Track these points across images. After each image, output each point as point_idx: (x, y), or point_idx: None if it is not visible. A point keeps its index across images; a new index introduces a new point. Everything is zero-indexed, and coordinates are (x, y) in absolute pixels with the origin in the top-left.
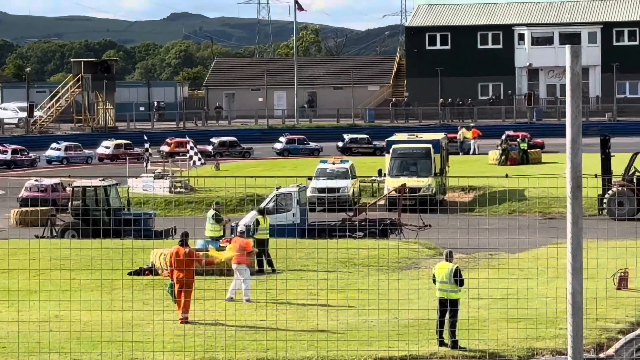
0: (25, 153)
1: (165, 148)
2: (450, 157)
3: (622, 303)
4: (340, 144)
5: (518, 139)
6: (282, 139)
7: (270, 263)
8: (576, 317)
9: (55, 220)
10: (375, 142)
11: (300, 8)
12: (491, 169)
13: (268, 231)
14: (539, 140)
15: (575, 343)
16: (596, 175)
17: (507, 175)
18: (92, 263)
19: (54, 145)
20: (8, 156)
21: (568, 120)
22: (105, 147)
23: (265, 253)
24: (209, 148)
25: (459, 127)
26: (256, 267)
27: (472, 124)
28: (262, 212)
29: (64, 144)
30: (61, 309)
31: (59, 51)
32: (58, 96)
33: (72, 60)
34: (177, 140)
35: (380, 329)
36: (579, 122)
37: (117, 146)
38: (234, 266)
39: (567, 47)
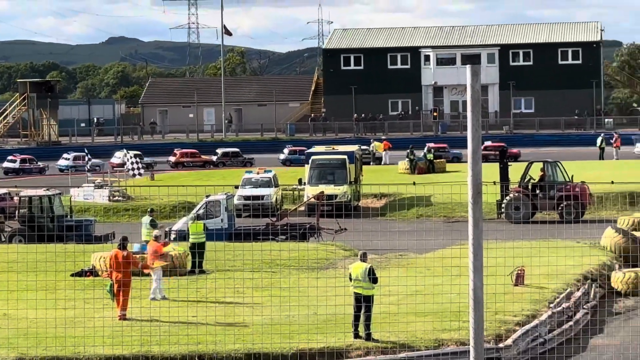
0: None
1: (172, 158)
2: (363, 167)
3: (518, 298)
4: (281, 156)
5: (424, 150)
6: (218, 150)
7: (200, 264)
8: (477, 311)
9: (4, 227)
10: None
11: (228, 32)
12: (401, 178)
13: (204, 235)
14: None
15: (477, 334)
16: (495, 183)
17: (414, 183)
18: (38, 266)
19: (9, 157)
20: None
21: (469, 133)
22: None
23: (200, 255)
24: (214, 158)
25: (371, 140)
26: (189, 268)
27: (383, 137)
28: (196, 218)
29: (19, 157)
30: (9, 307)
31: (6, 72)
32: (6, 113)
33: (18, 80)
34: (182, 151)
35: (300, 323)
36: (478, 135)
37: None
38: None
39: (468, 67)
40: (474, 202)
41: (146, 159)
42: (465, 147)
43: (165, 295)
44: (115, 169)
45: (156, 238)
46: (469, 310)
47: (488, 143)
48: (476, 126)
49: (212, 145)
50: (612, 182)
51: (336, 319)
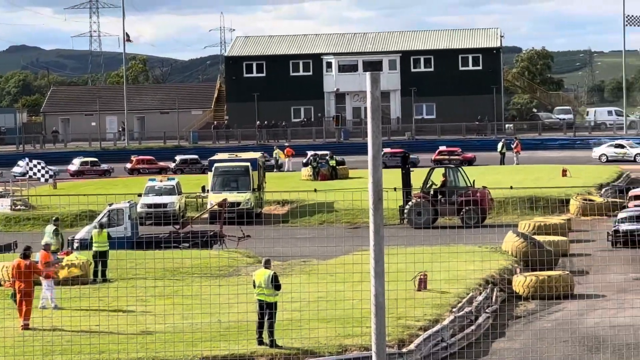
0: None
1: (128, 165)
2: (266, 174)
3: (421, 303)
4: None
5: (327, 157)
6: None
7: (103, 273)
8: (379, 316)
9: None
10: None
11: (129, 39)
12: (304, 184)
13: (107, 244)
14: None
15: (379, 339)
16: (395, 189)
17: (315, 190)
18: None
19: None
20: None
21: (369, 139)
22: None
23: (103, 263)
24: (172, 165)
25: (274, 147)
26: (91, 277)
27: (286, 144)
28: (101, 226)
29: None
30: None
31: None
32: None
33: None
34: (139, 158)
35: (204, 331)
36: (379, 141)
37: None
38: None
39: (367, 74)
40: (375, 209)
41: (51, 167)
42: (365, 153)
43: (58, 304)
44: (17, 177)
45: (45, 247)
46: (371, 315)
47: (387, 149)
48: (376, 133)
49: (115, 153)
50: (511, 187)
51: (240, 326)
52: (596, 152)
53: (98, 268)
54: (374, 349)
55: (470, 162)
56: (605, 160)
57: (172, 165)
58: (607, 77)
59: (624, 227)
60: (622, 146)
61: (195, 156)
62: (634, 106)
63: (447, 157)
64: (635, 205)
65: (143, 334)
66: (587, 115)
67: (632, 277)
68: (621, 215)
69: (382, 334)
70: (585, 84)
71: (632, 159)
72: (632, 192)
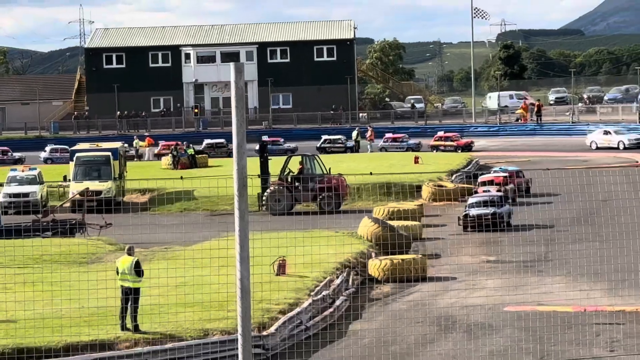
0: None
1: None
2: (127, 163)
3: (281, 287)
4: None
5: (184, 146)
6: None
7: None
8: (244, 300)
9: None
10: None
11: None
12: (164, 173)
13: None
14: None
15: (244, 322)
16: (259, 176)
17: (182, 177)
18: None
19: None
20: None
21: (234, 128)
22: None
23: None
24: (42, 155)
25: (134, 137)
26: None
27: (146, 134)
28: None
29: None
30: None
31: None
32: None
33: None
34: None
35: (70, 317)
36: (243, 130)
37: None
38: None
39: (232, 65)
40: (240, 195)
41: None
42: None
43: None
44: None
45: None
46: (237, 299)
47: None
48: (241, 121)
49: None
50: (371, 174)
51: (103, 312)
52: (589, 138)
53: None
54: (240, 331)
55: (468, 147)
56: (595, 147)
57: (42, 155)
58: (456, 67)
59: (474, 211)
60: (608, 132)
61: (66, 146)
62: (482, 95)
63: (443, 142)
64: (484, 191)
65: (8, 321)
66: (490, 99)
67: (482, 259)
68: (471, 200)
69: (248, 317)
70: (435, 74)
71: (616, 146)
72: (481, 178)
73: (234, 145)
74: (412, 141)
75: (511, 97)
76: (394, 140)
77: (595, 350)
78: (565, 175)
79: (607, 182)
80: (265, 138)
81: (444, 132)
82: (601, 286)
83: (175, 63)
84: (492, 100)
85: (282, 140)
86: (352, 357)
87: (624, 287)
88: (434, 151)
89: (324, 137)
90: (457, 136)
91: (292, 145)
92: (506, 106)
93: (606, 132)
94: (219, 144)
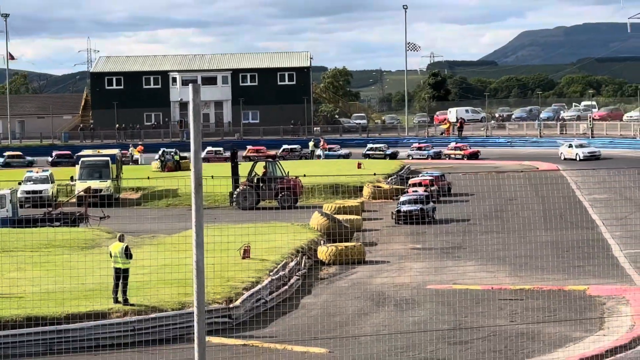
0: None
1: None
2: (123, 166)
3: (245, 268)
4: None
5: (172, 152)
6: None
7: None
8: (199, 278)
9: None
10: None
11: (12, 57)
12: (154, 175)
13: None
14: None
15: (199, 296)
16: (228, 177)
17: (148, 177)
18: None
19: None
20: None
21: (192, 138)
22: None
23: None
24: (49, 159)
25: (130, 145)
26: None
27: (140, 143)
28: None
29: None
30: None
31: None
32: None
33: None
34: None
35: (71, 291)
36: (199, 140)
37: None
38: None
39: (190, 85)
40: (196, 192)
41: None
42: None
43: None
44: None
45: None
46: (193, 277)
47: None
48: (197, 132)
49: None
50: (305, 175)
51: (100, 288)
52: (559, 150)
53: None
54: (195, 304)
55: (475, 156)
56: (563, 158)
57: (49, 159)
58: (394, 90)
59: (404, 208)
60: (571, 146)
61: (69, 152)
62: (414, 113)
63: (454, 151)
64: (413, 191)
65: (20, 295)
66: (450, 113)
67: (410, 247)
68: (402, 198)
69: (202, 292)
70: (377, 96)
71: (574, 157)
72: (411, 180)
73: (192, 152)
74: (390, 150)
75: (467, 111)
76: (374, 149)
77: (499, 321)
78: (479, 179)
79: (512, 184)
80: (321, 143)
81: (456, 143)
82: (505, 269)
83: (164, 85)
84: (451, 114)
85: (339, 147)
86: (303, 325)
87: (524, 270)
88: (447, 159)
89: (284, 146)
90: (466, 146)
91: (346, 151)
92: (462, 118)
93: (570, 146)
94: (67, 154)
